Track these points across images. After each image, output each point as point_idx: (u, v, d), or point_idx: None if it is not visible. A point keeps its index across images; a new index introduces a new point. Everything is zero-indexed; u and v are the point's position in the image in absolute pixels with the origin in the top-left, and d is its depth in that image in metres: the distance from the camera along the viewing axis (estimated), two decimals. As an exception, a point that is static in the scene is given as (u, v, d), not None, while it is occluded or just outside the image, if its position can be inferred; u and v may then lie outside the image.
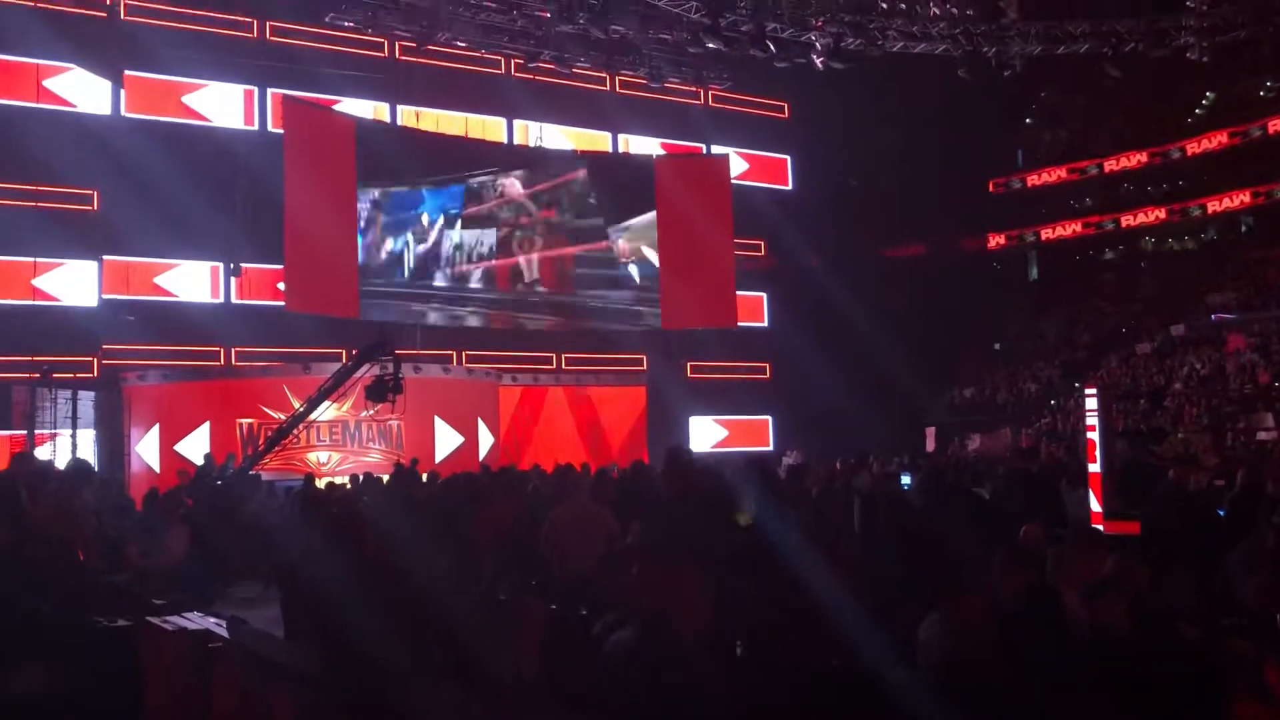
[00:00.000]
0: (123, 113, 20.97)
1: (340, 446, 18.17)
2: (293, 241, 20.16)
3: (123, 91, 20.98)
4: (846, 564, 4.70)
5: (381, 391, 14.90)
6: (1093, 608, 4.34)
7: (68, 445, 16.79)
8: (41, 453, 15.06)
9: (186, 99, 21.78)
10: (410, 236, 22.83)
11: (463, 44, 22.79)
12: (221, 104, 22.08)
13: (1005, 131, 34.77)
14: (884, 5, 20.97)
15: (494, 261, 23.84)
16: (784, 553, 4.92)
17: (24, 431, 16.25)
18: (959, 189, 31.55)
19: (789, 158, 29.38)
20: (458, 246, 23.43)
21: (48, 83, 20.32)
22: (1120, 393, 25.17)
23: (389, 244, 22.64)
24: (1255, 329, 25.37)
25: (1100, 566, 4.88)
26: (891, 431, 23.07)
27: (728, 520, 6.25)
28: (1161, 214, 32.28)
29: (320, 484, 14.54)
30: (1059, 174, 33.68)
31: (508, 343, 24.09)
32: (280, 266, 20.79)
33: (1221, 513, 7.94)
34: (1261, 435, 20.84)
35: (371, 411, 16.88)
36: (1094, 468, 12.62)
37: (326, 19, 21.28)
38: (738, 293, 25.90)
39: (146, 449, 18.12)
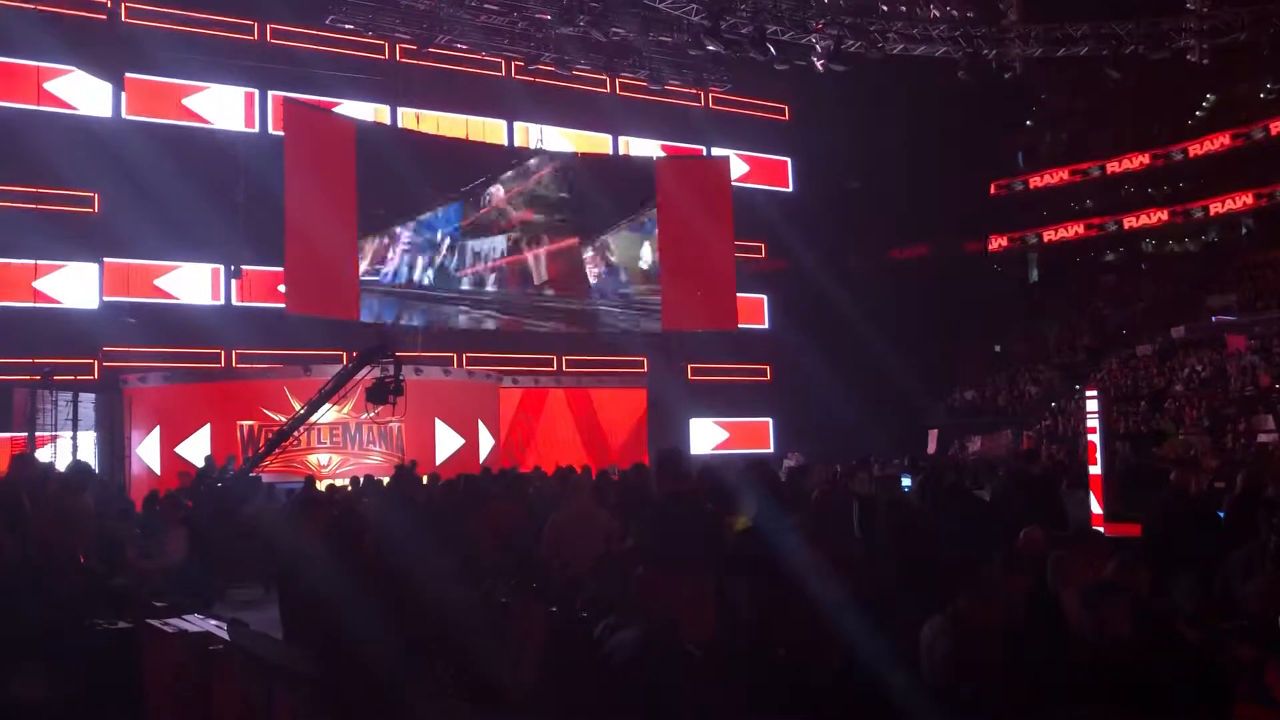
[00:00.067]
0: (123, 115, 20.99)
1: (341, 449, 18.17)
2: (293, 244, 20.16)
3: (123, 94, 20.99)
4: (846, 567, 4.70)
5: (382, 394, 14.88)
6: (1095, 610, 4.34)
7: (68, 447, 16.77)
8: (42, 455, 15.03)
9: (187, 101, 21.80)
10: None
11: (463, 46, 22.84)
12: (222, 106, 22.11)
13: (1005, 133, 34.80)
14: (884, 8, 21.00)
15: (501, 262, 23.87)
16: (784, 555, 4.92)
17: (24, 433, 16.22)
18: (959, 191, 31.57)
19: (789, 160, 29.40)
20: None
21: (48, 85, 20.34)
22: (1120, 395, 25.19)
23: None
24: (1256, 331, 25.35)
25: (1101, 569, 4.88)
26: (892, 433, 23.08)
27: (717, 520, 6.26)
28: (1164, 215, 32.26)
29: (321, 486, 14.53)
30: (1061, 175, 33.67)
31: (508, 345, 24.08)
32: (281, 269, 20.79)
33: (1222, 515, 7.94)
34: (1262, 437, 20.81)
35: (372, 414, 16.86)
36: (1094, 470, 12.64)
37: (327, 21, 21.31)
38: (738, 295, 25.90)
39: (147, 451, 18.12)
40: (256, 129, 22.31)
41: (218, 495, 13.31)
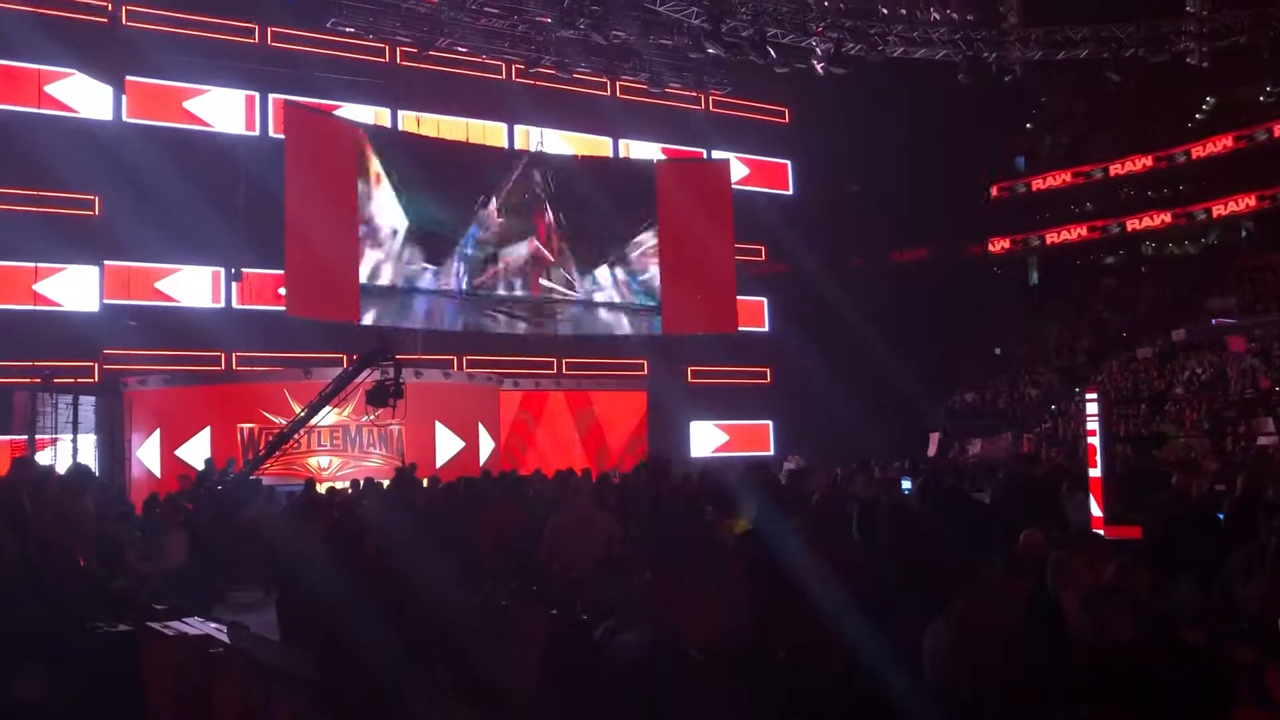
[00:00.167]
0: (124, 118, 21.01)
1: (341, 451, 18.15)
2: (293, 246, 20.16)
3: (124, 97, 21.03)
4: (846, 569, 4.71)
5: (382, 396, 14.89)
6: (1096, 614, 4.34)
7: (68, 450, 16.77)
8: (42, 458, 15.03)
9: (188, 104, 21.81)
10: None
11: (463, 49, 22.84)
12: (223, 109, 22.12)
13: (1005, 136, 34.82)
14: (884, 10, 20.99)
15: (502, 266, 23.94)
16: (784, 558, 4.92)
17: (25, 436, 16.22)
18: (959, 193, 31.58)
19: (790, 163, 29.41)
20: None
21: (49, 88, 20.35)
22: (1121, 397, 25.18)
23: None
24: (1256, 334, 25.35)
25: (1101, 571, 4.88)
26: (892, 436, 23.08)
27: (702, 519, 6.28)
28: (1167, 218, 32.29)
29: (321, 489, 14.52)
30: (1064, 177, 33.71)
31: (508, 347, 24.08)
32: (281, 271, 20.80)
33: (1222, 517, 7.94)
34: (1262, 440, 20.82)
35: (372, 416, 16.87)
36: (1094, 472, 12.64)
37: (328, 24, 21.31)
38: (738, 298, 25.90)
39: (147, 454, 18.12)
40: (257, 132, 22.31)
41: (218, 498, 13.31)
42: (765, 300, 28.14)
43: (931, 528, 7.56)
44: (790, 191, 29.35)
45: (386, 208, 22.16)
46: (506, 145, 25.26)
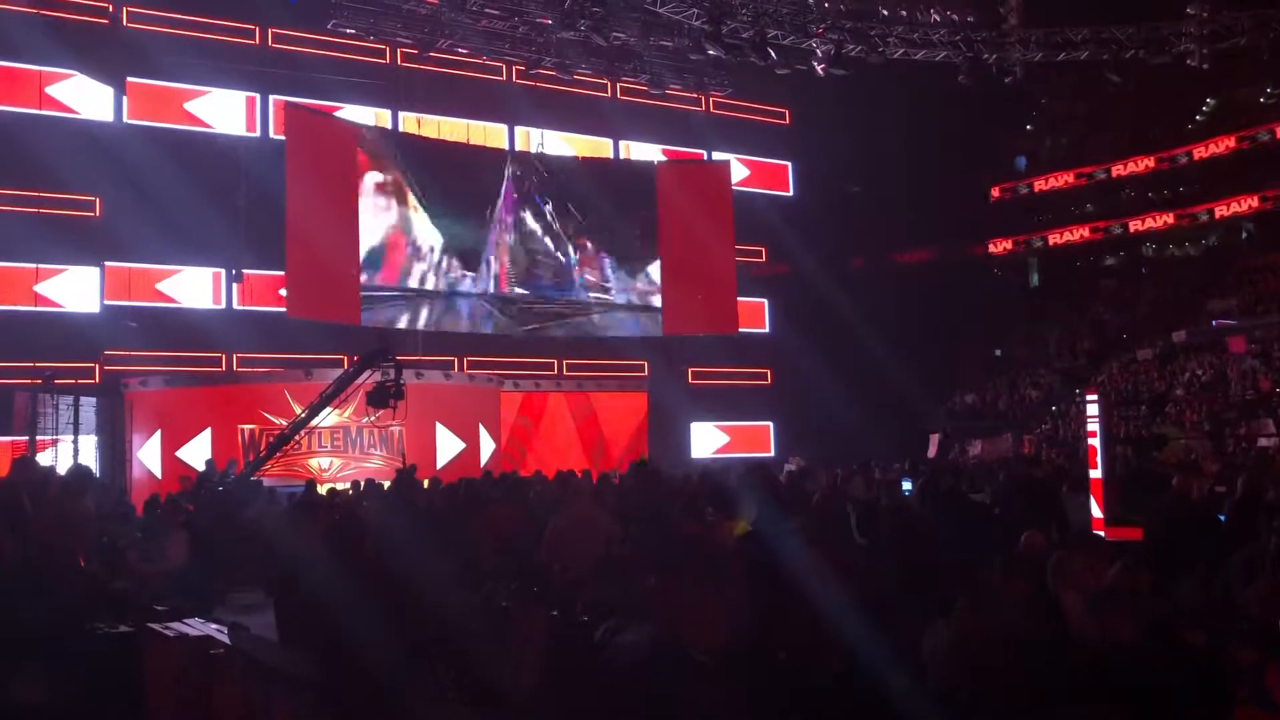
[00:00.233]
0: (125, 119, 21.02)
1: (342, 452, 18.15)
2: (294, 247, 20.18)
3: (125, 98, 21.04)
4: (846, 570, 4.71)
5: (383, 397, 14.90)
6: (1097, 615, 4.33)
7: (69, 451, 16.77)
8: (43, 459, 15.02)
9: (188, 105, 21.82)
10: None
11: (464, 51, 22.84)
12: (223, 110, 22.13)
13: (1005, 137, 34.83)
14: (885, 12, 21.00)
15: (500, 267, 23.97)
16: (784, 559, 4.92)
17: (25, 437, 16.22)
18: (959, 195, 31.56)
19: (790, 164, 29.42)
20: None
21: (50, 89, 20.37)
22: (1121, 399, 25.18)
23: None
24: (1256, 335, 25.36)
25: (1102, 572, 4.88)
26: (892, 437, 23.07)
27: (701, 519, 6.29)
28: (1170, 219, 32.31)
29: (322, 490, 14.52)
30: (1066, 179, 33.73)
31: (509, 348, 24.10)
32: (281, 272, 20.82)
33: (1222, 519, 7.94)
34: (1262, 441, 20.83)
35: (373, 417, 16.88)
36: (1095, 474, 12.63)
37: (328, 26, 21.32)
38: (739, 299, 25.91)
39: (148, 455, 18.12)
40: (258, 133, 22.32)
41: (219, 499, 13.31)
42: (766, 301, 28.15)
43: (932, 529, 7.56)
44: (790, 193, 29.36)
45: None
46: (507, 147, 25.26)
